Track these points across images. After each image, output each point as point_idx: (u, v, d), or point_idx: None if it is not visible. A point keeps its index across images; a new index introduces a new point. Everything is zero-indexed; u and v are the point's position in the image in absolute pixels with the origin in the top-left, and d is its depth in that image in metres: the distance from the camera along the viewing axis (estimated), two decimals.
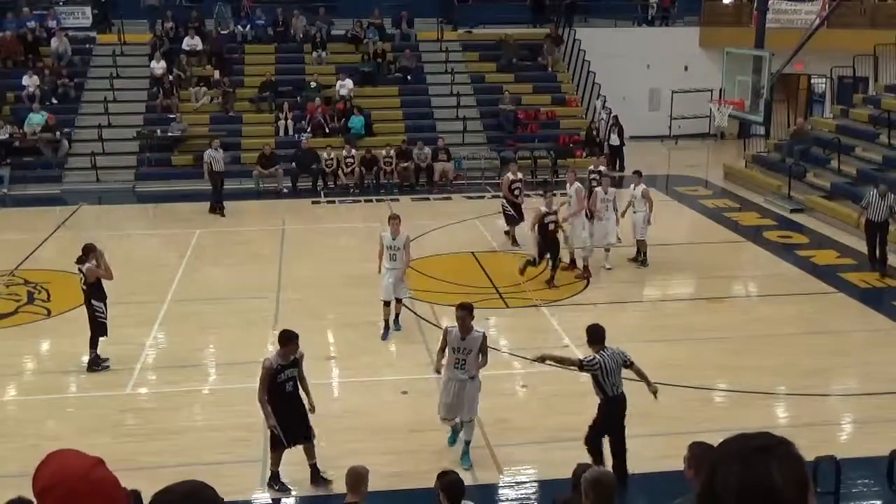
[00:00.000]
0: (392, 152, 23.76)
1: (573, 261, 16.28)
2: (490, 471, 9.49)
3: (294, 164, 23.49)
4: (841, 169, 21.04)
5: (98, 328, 11.98)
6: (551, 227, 15.11)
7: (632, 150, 26.04)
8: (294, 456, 9.33)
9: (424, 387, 10.72)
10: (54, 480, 2.32)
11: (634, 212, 16.48)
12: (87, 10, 28.47)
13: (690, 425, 9.90)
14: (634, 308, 15.13)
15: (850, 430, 10.78)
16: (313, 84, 26.24)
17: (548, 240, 15.14)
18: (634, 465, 9.10)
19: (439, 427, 9.77)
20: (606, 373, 8.72)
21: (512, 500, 9.16)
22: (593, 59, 28.06)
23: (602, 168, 18.57)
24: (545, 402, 11.03)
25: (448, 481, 6.59)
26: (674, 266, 16.79)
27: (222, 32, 28.13)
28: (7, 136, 23.80)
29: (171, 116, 24.77)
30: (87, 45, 27.50)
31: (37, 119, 24.00)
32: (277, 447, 8.99)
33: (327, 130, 25.13)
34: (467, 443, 9.49)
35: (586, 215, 16.26)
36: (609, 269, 16.23)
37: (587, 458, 8.68)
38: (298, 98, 26.01)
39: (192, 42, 27.10)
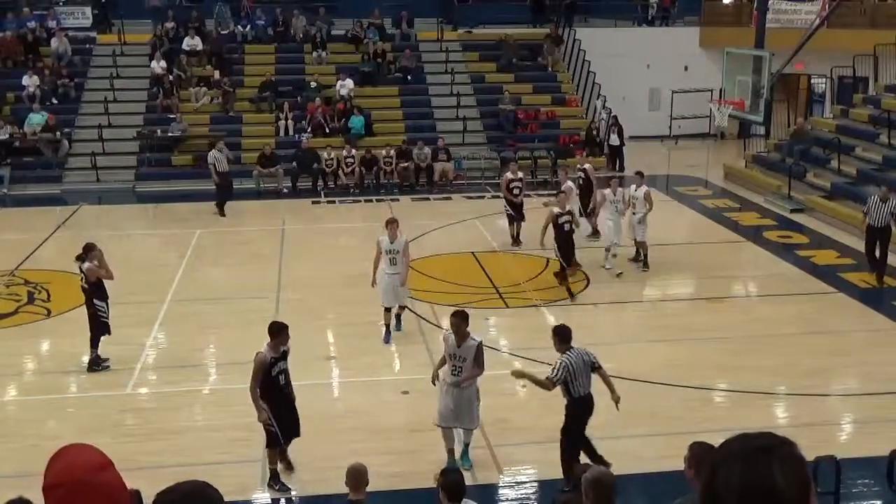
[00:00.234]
0: (392, 152, 23.75)
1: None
2: (490, 471, 9.50)
3: (294, 164, 23.49)
4: (841, 169, 21.04)
5: (100, 328, 11.99)
6: (566, 227, 14.91)
7: (632, 150, 26.05)
8: (294, 456, 9.33)
9: (425, 387, 10.69)
10: (60, 479, 2.32)
11: (634, 213, 16.48)
12: (88, 10, 28.46)
13: (690, 425, 9.91)
14: (634, 308, 15.12)
15: (850, 430, 10.77)
16: (313, 84, 26.24)
17: (563, 240, 14.87)
18: (634, 465, 9.10)
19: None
20: (574, 374, 8.68)
21: (512, 500, 9.16)
22: (593, 59, 28.06)
23: (587, 166, 18.62)
24: (545, 402, 10.95)
25: (449, 480, 6.59)
26: (674, 266, 16.78)
27: (222, 32, 28.13)
28: (7, 136, 23.81)
29: (172, 116, 24.77)
30: (88, 45, 27.50)
31: (37, 119, 24.00)
32: (273, 444, 8.96)
33: (327, 130, 25.13)
34: (466, 444, 9.50)
35: (585, 213, 16.21)
36: (609, 269, 16.22)
37: (586, 459, 8.69)
38: (298, 98, 26.01)
39: (192, 42, 27.10)
